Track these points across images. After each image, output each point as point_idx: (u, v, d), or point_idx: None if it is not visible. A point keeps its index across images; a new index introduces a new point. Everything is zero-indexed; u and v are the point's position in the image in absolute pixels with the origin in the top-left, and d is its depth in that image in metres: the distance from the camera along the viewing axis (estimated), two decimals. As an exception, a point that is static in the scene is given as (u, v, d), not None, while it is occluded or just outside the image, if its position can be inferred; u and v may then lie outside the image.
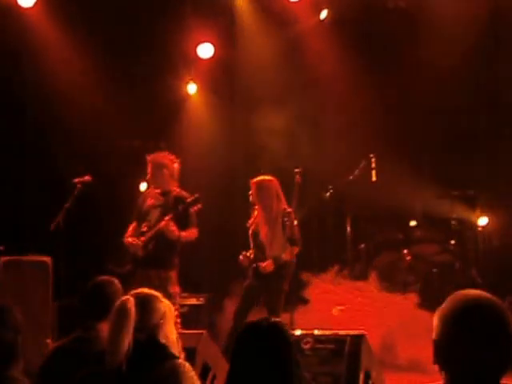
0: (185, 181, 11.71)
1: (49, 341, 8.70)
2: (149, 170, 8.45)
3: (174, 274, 8.19)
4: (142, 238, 8.15)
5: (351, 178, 10.16)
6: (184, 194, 8.36)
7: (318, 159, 10.59)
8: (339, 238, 10.85)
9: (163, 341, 3.85)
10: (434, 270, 10.00)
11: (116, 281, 5.24)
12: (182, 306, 10.20)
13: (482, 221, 10.79)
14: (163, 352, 3.77)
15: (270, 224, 8.33)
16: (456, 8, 10.38)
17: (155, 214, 8.33)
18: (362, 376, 5.64)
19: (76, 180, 8.39)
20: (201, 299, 10.30)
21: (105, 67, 10.91)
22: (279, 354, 3.27)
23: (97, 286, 5.02)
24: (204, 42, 11.50)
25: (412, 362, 8.35)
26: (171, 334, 3.94)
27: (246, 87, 11.82)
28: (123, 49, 11.19)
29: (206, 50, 11.58)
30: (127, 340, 3.71)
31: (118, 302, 3.87)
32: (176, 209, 8.12)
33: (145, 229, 8.23)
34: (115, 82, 11.08)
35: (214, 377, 5.96)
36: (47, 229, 8.20)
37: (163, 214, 8.16)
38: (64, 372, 4.51)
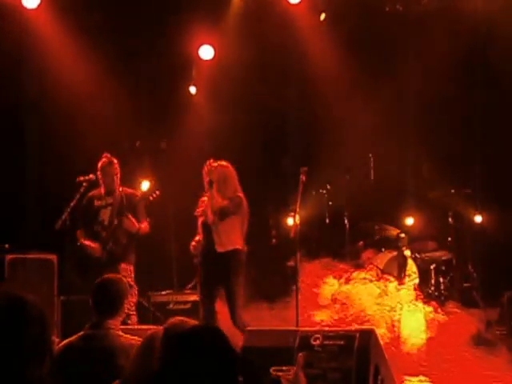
0: (187, 181, 11.64)
1: (54, 337, 8.57)
2: (101, 168, 8.31)
3: (132, 268, 8.23)
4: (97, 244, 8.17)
5: (349, 177, 10.09)
6: (129, 190, 8.36)
7: (318, 158, 10.48)
8: (338, 235, 10.70)
9: None
10: (432, 266, 9.85)
11: (123, 278, 5.12)
12: (185, 302, 10.06)
13: (479, 218, 10.70)
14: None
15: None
16: (451, 11, 10.25)
17: (106, 213, 8.27)
18: (371, 371, 5.46)
19: (80, 178, 8.22)
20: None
21: (107, 69, 10.77)
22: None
23: (104, 284, 4.89)
24: (205, 43, 11.35)
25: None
26: None
27: (245, 88, 11.65)
28: (126, 50, 11.06)
29: (206, 52, 11.43)
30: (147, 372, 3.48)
31: (147, 334, 3.63)
32: (128, 206, 8.14)
33: (99, 229, 8.23)
34: (117, 83, 10.93)
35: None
36: (52, 227, 8.02)
37: (115, 213, 8.16)
38: (73, 370, 4.47)
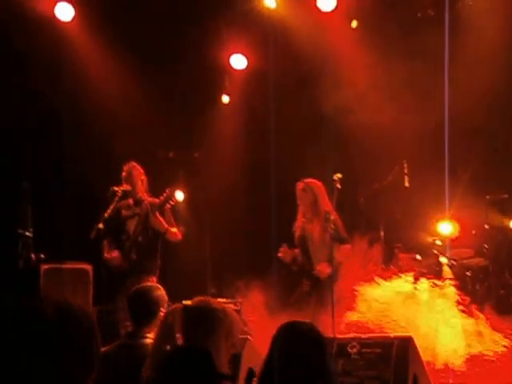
0: (220, 191, 11.56)
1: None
2: (126, 177, 8.26)
3: (155, 280, 7.98)
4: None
5: (384, 183, 9.94)
6: (155, 199, 8.18)
7: (351, 165, 10.35)
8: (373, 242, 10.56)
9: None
10: (468, 273, 9.63)
11: (160, 286, 5.04)
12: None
13: (515, 224, 10.47)
14: (205, 368, 3.43)
15: (315, 226, 8.04)
16: (487, 15, 10.04)
17: (132, 223, 8.20)
18: (410, 381, 5.29)
19: (115, 188, 8.14)
20: (238, 304, 9.99)
21: (140, 79, 10.71)
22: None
23: (139, 293, 4.86)
24: (237, 52, 11.26)
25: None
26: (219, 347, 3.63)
27: (276, 98, 11.54)
28: (158, 61, 11.00)
29: (239, 61, 11.35)
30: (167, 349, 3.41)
31: (167, 311, 3.59)
32: (153, 216, 8.00)
33: (124, 239, 8.17)
34: (150, 93, 10.90)
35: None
36: (87, 236, 7.94)
37: (140, 223, 8.05)
38: (110, 379, 4.33)
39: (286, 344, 3.34)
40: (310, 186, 8.13)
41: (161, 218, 7.98)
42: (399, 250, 9.84)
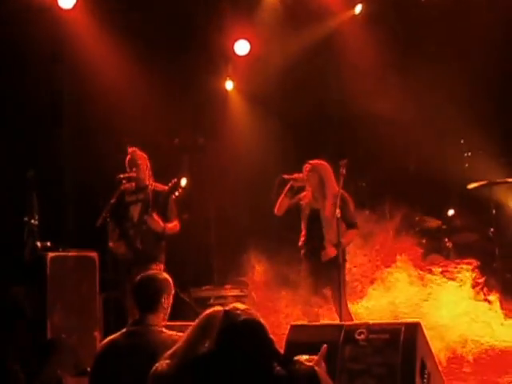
0: (223, 175, 11.54)
1: (96, 334, 8.54)
2: (129, 164, 8.17)
3: (162, 267, 7.92)
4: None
5: (389, 168, 9.93)
6: (160, 186, 8.09)
7: (354, 149, 10.31)
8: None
9: None
10: (474, 257, 9.57)
11: (163, 273, 5.02)
12: (226, 297, 9.94)
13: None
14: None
15: (324, 207, 7.98)
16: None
17: (136, 210, 8.10)
18: (418, 366, 5.24)
19: (121, 176, 8.08)
20: (245, 290, 9.99)
21: (144, 66, 10.67)
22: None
23: (143, 281, 4.82)
24: (241, 38, 11.20)
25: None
26: None
27: (280, 83, 11.49)
28: (162, 47, 10.95)
29: (242, 47, 11.29)
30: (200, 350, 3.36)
31: (206, 312, 3.53)
32: (156, 203, 7.90)
33: (129, 226, 8.06)
34: (154, 80, 10.84)
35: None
36: (93, 224, 7.91)
37: (144, 210, 7.94)
38: (116, 366, 4.42)
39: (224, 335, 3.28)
40: (316, 167, 8.05)
41: (157, 217, 7.87)
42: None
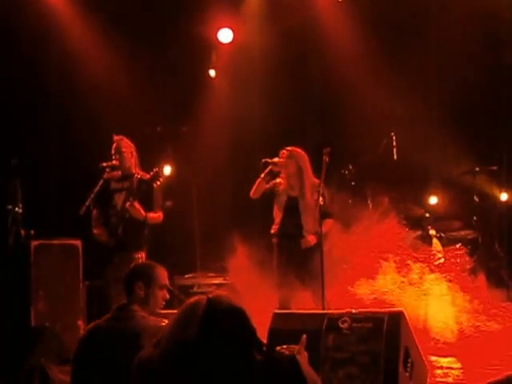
0: (205, 165, 11.50)
1: (80, 322, 8.52)
2: (114, 151, 8.11)
3: (144, 255, 7.93)
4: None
5: (371, 156, 9.91)
6: (145, 175, 8.04)
7: (340, 138, 10.30)
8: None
9: None
10: (457, 245, 9.61)
11: (149, 263, 5.01)
12: (209, 285, 9.94)
13: (505, 196, 10.43)
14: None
15: (303, 195, 7.97)
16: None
17: (120, 198, 8.05)
18: (401, 354, 5.24)
19: (104, 164, 8.03)
20: (227, 278, 9.97)
21: (127, 54, 10.63)
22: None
23: (134, 268, 4.88)
24: (224, 27, 11.17)
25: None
26: None
27: (264, 71, 11.45)
28: (146, 35, 10.90)
29: (225, 35, 11.26)
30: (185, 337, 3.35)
31: (190, 300, 3.52)
32: (140, 191, 7.86)
33: (111, 214, 8.01)
34: (137, 68, 10.82)
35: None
36: (76, 212, 7.87)
37: (128, 198, 7.88)
38: (100, 350, 4.40)
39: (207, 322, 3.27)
40: (293, 154, 8.04)
41: (138, 206, 7.81)
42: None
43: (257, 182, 8.01)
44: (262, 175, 7.96)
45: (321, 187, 7.66)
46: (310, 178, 8.02)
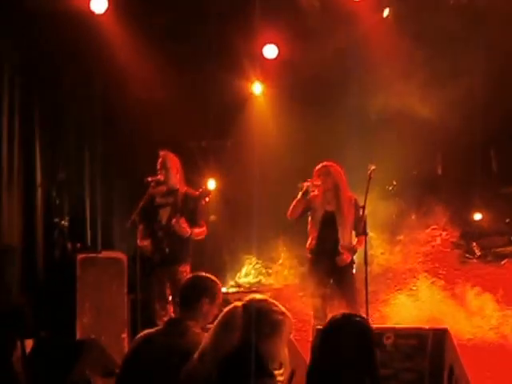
0: (251, 179, 11.51)
1: (124, 335, 8.57)
2: (160, 166, 8.15)
3: (188, 269, 7.95)
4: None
5: (416, 172, 9.87)
6: (191, 191, 8.11)
7: (383, 156, 10.26)
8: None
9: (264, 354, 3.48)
10: (503, 262, 9.51)
11: (211, 277, 4.80)
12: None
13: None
14: (258, 366, 3.39)
15: (339, 210, 7.95)
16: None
17: (165, 213, 8.08)
18: (446, 372, 5.20)
19: (149, 179, 8.08)
20: (268, 294, 9.95)
21: (172, 69, 10.67)
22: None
23: (198, 283, 4.71)
24: (269, 42, 11.23)
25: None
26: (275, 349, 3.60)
27: (309, 87, 11.45)
28: (190, 50, 10.94)
29: (271, 51, 11.32)
30: (226, 347, 3.37)
31: (226, 308, 3.54)
32: (186, 207, 7.92)
33: (157, 228, 8.05)
34: (182, 83, 10.86)
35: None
36: (123, 226, 7.95)
37: (173, 213, 7.93)
38: (152, 365, 4.33)
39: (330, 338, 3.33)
40: (330, 171, 8.00)
41: (184, 223, 7.86)
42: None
43: (294, 203, 7.99)
44: (299, 196, 7.94)
45: (363, 204, 7.64)
46: (347, 193, 8.00)
